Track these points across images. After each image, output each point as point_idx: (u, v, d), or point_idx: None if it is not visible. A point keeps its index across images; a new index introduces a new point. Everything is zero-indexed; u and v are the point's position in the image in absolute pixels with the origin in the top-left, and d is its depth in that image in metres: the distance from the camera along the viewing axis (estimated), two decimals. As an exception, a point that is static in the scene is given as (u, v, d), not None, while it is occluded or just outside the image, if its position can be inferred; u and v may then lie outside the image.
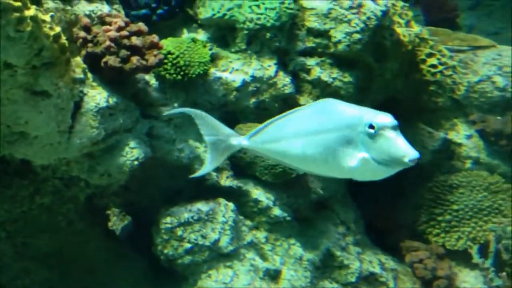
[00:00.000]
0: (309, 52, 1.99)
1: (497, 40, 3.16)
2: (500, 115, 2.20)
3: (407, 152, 1.24)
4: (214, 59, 1.95)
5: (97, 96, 1.69)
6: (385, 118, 1.25)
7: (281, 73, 1.97)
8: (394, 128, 1.25)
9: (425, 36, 2.15)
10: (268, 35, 1.93)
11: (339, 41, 1.96)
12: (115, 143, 1.73)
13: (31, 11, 1.47)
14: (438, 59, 2.15)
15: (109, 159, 1.72)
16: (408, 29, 2.11)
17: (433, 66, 2.15)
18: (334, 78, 1.99)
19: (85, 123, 1.66)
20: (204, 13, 1.95)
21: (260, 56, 1.95)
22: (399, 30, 2.07)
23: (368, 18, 1.96)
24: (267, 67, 1.95)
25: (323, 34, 1.97)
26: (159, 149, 1.83)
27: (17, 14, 1.43)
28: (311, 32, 1.97)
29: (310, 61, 1.99)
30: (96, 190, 1.81)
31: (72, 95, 1.65)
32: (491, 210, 2.13)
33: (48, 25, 1.55)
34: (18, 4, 1.44)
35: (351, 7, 1.94)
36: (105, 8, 1.81)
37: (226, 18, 1.93)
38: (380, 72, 2.07)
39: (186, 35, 1.97)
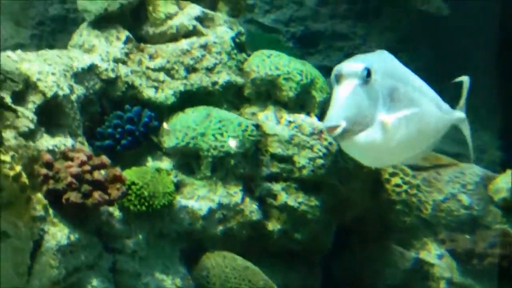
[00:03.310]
0: (274, 177, 2.01)
1: (464, 148, 3.24)
2: (469, 234, 2.21)
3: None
4: (179, 186, 1.94)
5: (57, 234, 1.65)
6: (335, 68, 1.08)
7: (247, 199, 1.96)
8: (337, 78, 1.07)
9: (387, 156, 2.20)
10: (232, 162, 1.94)
11: (303, 167, 1.99)
12: (76, 281, 1.67)
13: (-10, 154, 1.47)
14: (402, 178, 2.19)
15: (70, 300, 1.65)
16: (370, 150, 2.15)
17: (398, 185, 2.18)
18: (300, 203, 1.99)
19: (45, 263, 1.61)
20: (168, 141, 1.97)
21: (225, 183, 1.95)
22: (361, 151, 2.11)
23: (330, 143, 2.00)
24: (233, 193, 1.94)
25: (287, 159, 2.00)
26: (123, 284, 1.76)
27: (-25, 158, 1.42)
28: (275, 157, 2.00)
29: (276, 186, 2.01)
30: (56, 333, 1.71)
31: (32, 234, 1.61)
32: (468, 334, 2.08)
33: (8, 165, 1.54)
34: (-24, 147, 1.43)
35: (312, 133, 1.99)
36: (68, 142, 1.81)
37: (190, 146, 1.95)
38: (345, 193, 2.09)
39: (150, 163, 1.97)
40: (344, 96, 1.06)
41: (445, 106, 1.38)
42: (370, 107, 1.08)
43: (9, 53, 1.84)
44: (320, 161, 1.99)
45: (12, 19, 3.50)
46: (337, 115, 1.05)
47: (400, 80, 1.17)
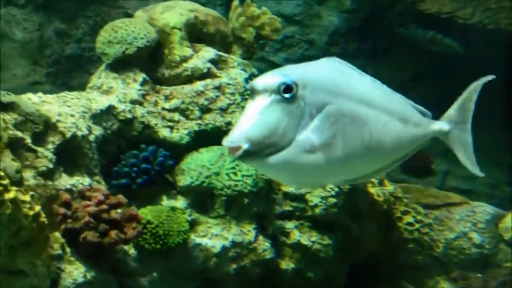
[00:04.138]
0: (287, 216, 2.03)
1: (474, 184, 3.24)
2: (481, 273, 2.21)
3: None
4: (193, 225, 1.96)
5: (74, 272, 1.68)
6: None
7: (260, 238, 1.98)
8: (251, 93, 0.96)
9: (399, 195, 2.22)
10: (246, 200, 1.97)
11: (316, 205, 2.01)
12: (92, 320, 1.69)
13: (11, 194, 1.50)
14: (414, 216, 2.20)
15: None
16: (382, 188, 2.18)
17: (410, 224, 2.20)
18: (313, 242, 2.01)
19: (61, 302, 1.63)
20: (183, 180, 2.00)
21: (239, 221, 1.97)
22: (372, 190, 2.14)
23: (342, 183, 2.03)
24: (247, 232, 1.97)
25: (300, 198, 2.03)
26: (138, 323, 1.78)
27: (-3, 199, 1.46)
28: (288, 196, 2.03)
29: (289, 224, 2.03)
30: None
31: (49, 273, 1.63)
32: None
33: (28, 205, 1.57)
34: (-1, 188, 1.47)
35: (324, 173, 2.02)
36: (86, 181, 1.85)
37: (204, 185, 1.98)
38: (358, 232, 2.10)
39: (165, 201, 2.00)
40: (253, 114, 0.96)
41: (418, 117, 1.22)
42: (290, 126, 0.98)
43: (30, 95, 1.90)
44: (332, 200, 2.01)
45: (29, 58, 3.60)
46: (239, 136, 0.95)
47: (343, 95, 1.06)
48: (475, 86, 1.31)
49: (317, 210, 2.02)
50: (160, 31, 2.16)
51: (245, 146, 0.96)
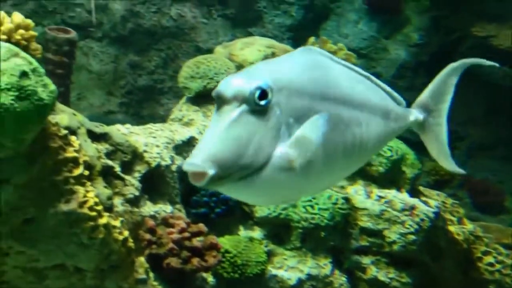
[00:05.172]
0: (363, 251, 2.03)
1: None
2: None
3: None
4: (269, 255, 1.99)
5: (157, 297, 1.73)
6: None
7: (337, 272, 1.99)
8: (217, 102, 0.78)
9: (479, 234, 2.19)
10: (322, 234, 1.99)
11: (394, 242, 2.01)
12: None
13: (104, 219, 1.58)
14: (495, 257, 2.15)
15: None
16: (461, 227, 2.15)
17: (491, 264, 2.15)
18: (391, 278, 1.99)
19: (145, 325, 1.68)
20: (260, 211, 2.04)
21: (315, 254, 1.99)
22: (452, 228, 2.11)
23: (422, 219, 2.02)
24: (323, 265, 1.98)
25: (377, 233, 2.02)
26: None
27: (91, 223, 1.54)
28: (365, 231, 2.03)
29: (365, 260, 2.02)
30: None
31: (134, 297, 1.69)
32: None
33: (118, 230, 1.65)
34: (94, 213, 1.55)
35: (403, 209, 2.02)
36: (168, 208, 1.92)
37: (281, 217, 2.01)
38: (437, 271, 2.07)
39: (242, 232, 2.04)
40: (219, 130, 0.77)
41: (397, 109, 1.06)
42: (264, 142, 0.80)
43: (119, 126, 2.01)
44: (411, 237, 2.00)
45: (104, 89, 3.79)
46: (202, 158, 0.77)
47: (324, 96, 0.89)
48: (451, 68, 1.13)
49: (395, 247, 2.01)
50: (239, 67, 2.24)
51: (210, 172, 0.77)
